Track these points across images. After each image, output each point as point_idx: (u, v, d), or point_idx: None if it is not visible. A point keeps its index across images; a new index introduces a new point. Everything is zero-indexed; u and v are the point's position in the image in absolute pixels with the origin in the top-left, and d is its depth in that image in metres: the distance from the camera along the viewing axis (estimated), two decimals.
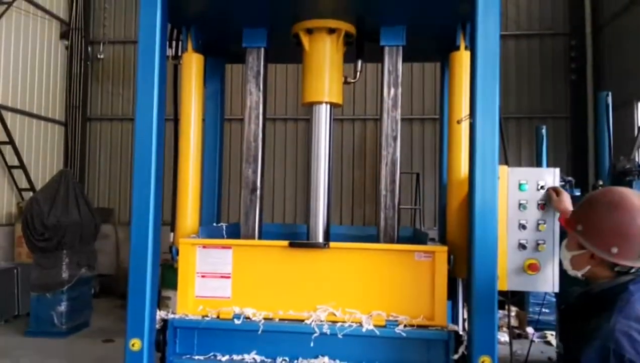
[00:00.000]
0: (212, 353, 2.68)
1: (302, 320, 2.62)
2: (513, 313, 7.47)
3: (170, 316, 2.68)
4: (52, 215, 7.00)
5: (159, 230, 2.62)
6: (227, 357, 2.65)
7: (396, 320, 2.56)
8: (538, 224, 2.58)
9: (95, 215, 7.67)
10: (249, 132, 2.97)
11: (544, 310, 7.07)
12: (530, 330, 7.25)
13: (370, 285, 2.65)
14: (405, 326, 2.54)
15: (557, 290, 2.57)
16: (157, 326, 2.64)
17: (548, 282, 2.57)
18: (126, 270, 2.63)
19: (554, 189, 2.56)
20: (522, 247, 2.59)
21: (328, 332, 2.55)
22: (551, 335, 7.24)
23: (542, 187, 2.59)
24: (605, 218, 1.79)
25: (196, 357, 2.67)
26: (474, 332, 2.40)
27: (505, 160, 2.71)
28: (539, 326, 7.11)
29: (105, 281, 9.84)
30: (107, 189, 11.36)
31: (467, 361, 2.43)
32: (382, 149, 2.86)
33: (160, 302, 7.15)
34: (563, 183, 5.51)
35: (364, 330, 2.54)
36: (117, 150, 11.39)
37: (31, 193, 8.54)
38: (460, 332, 2.53)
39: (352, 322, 2.58)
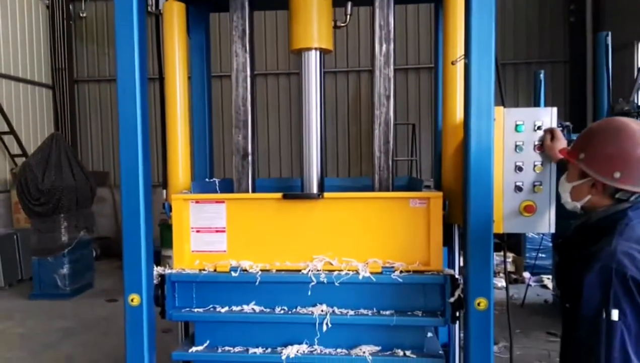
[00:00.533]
0: (211, 306, 2.70)
1: (299, 271, 2.62)
2: (510, 259, 7.57)
3: (168, 271, 2.68)
4: (46, 180, 6.96)
5: (149, 187, 2.57)
6: (226, 308, 2.68)
7: (392, 267, 2.57)
8: (535, 165, 2.54)
9: (90, 178, 7.63)
10: (237, 96, 2.87)
11: (540, 255, 7.17)
12: (526, 274, 7.36)
13: (365, 234, 2.64)
14: (401, 272, 2.55)
15: (553, 230, 2.55)
16: (155, 281, 2.65)
17: (544, 223, 2.55)
18: None
19: (551, 131, 2.51)
20: (518, 189, 2.55)
21: (325, 280, 2.56)
22: (547, 279, 7.36)
23: (538, 128, 2.54)
24: (608, 144, 1.78)
25: (195, 310, 2.70)
26: (469, 274, 2.40)
27: (502, 102, 2.64)
28: (535, 270, 7.23)
29: (106, 244, 9.91)
30: (100, 153, 11.27)
31: (464, 304, 2.45)
32: (375, 108, 2.77)
33: (162, 261, 7.19)
34: (561, 128, 5.44)
35: (360, 277, 2.54)
36: (107, 113, 11.23)
37: (24, 159, 8.46)
38: (457, 276, 2.54)
39: (348, 270, 2.58)
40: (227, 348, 2.69)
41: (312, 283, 2.57)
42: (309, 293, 2.60)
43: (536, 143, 2.54)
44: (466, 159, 2.39)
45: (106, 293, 7.51)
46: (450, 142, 2.79)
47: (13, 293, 7.74)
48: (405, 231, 2.61)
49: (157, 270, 2.69)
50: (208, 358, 2.68)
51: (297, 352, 2.58)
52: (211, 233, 2.73)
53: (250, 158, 2.89)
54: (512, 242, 8.02)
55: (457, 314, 2.53)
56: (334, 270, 2.60)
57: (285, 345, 2.62)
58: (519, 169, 2.54)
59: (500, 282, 6.40)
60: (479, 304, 2.39)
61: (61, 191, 7.00)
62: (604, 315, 1.60)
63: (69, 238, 7.27)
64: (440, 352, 2.68)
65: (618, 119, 1.89)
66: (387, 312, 2.59)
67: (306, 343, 2.62)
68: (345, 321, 2.57)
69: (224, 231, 2.72)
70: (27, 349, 5.38)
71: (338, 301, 2.62)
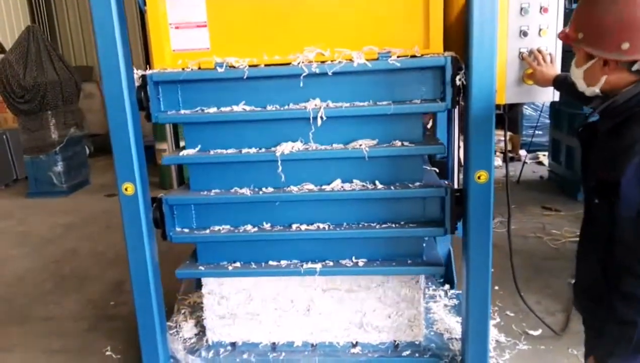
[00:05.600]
0: (198, 108, 2.57)
1: (289, 63, 2.44)
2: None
3: (149, 72, 2.50)
4: (28, 76, 6.68)
5: (130, 69, 2.42)
6: (214, 109, 2.55)
7: (389, 52, 2.38)
8: (540, 30, 2.37)
9: (74, 73, 7.33)
10: None
11: (537, 132, 7.14)
12: (522, 152, 7.38)
13: (359, 19, 2.44)
14: (398, 57, 2.37)
15: (557, 98, 2.45)
16: (136, 84, 2.48)
17: (548, 91, 2.44)
18: None
19: (536, 55, 2.33)
20: (522, 57, 2.41)
21: (317, 71, 2.39)
22: (543, 156, 7.40)
23: None
24: (607, 14, 1.51)
25: (182, 112, 2.57)
26: (470, 148, 2.34)
27: None
28: (532, 148, 7.24)
29: (99, 141, 9.76)
30: (82, 46, 10.75)
31: (465, 177, 2.40)
32: None
33: (157, 154, 7.15)
34: None
35: (355, 65, 2.37)
36: (85, 2, 10.54)
37: (2, 56, 8.06)
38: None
39: (342, 59, 2.40)
40: (219, 150, 2.60)
41: (304, 74, 2.40)
42: (301, 86, 2.44)
43: (542, 5, 2.36)
44: (468, 28, 2.20)
45: (104, 189, 7.55)
46: (453, 8, 2.56)
47: (10, 193, 7.76)
48: (403, 12, 2.40)
49: (138, 72, 2.49)
50: (199, 161, 2.61)
51: (292, 148, 2.49)
52: (191, 29, 2.52)
53: None
54: (510, 120, 7.94)
55: (458, 99, 2.39)
56: (326, 60, 2.42)
57: (280, 144, 2.53)
58: (523, 34, 2.38)
59: (497, 161, 6.42)
60: (479, 177, 2.36)
61: (45, 87, 6.75)
62: None
63: (59, 135, 7.14)
64: (440, 142, 2.67)
65: None
66: (384, 103, 2.46)
67: (301, 141, 2.53)
68: (340, 113, 2.45)
69: (205, 25, 2.51)
70: (30, 245, 5.49)
71: (332, 95, 2.48)
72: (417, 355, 2.72)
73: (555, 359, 3.01)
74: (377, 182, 2.56)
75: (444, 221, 2.50)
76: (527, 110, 7.74)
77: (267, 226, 2.65)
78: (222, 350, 2.84)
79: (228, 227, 2.68)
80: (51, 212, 6.62)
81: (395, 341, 2.79)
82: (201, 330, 3.04)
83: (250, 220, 2.66)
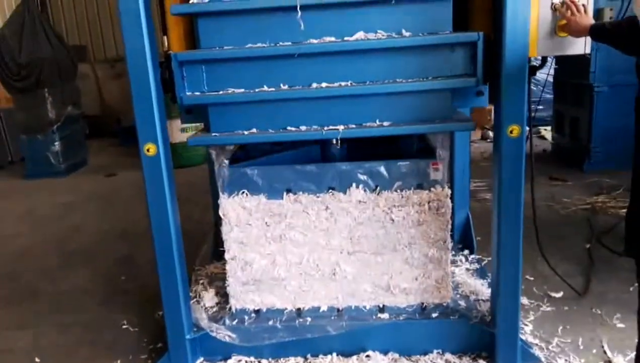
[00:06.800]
0: None
1: None
2: None
3: None
4: (23, 52, 6.52)
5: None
6: None
7: None
8: None
9: (70, 49, 7.17)
10: None
11: (539, 107, 7.10)
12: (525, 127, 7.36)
13: None
14: None
15: (588, 50, 2.40)
16: None
17: (579, 44, 2.39)
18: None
19: (568, 5, 2.24)
20: (554, 8, 2.35)
21: None
22: (545, 131, 7.40)
23: None
24: None
25: None
26: (503, 101, 2.30)
27: None
28: (534, 123, 7.21)
29: (93, 122, 9.61)
30: (74, 24, 10.49)
31: (496, 133, 2.36)
32: None
33: None
34: None
35: None
36: None
37: None
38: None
39: None
40: None
41: None
42: None
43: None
44: None
45: (102, 169, 7.43)
46: None
47: (6, 175, 7.62)
48: None
49: None
50: (209, 9, 2.39)
51: None
52: None
53: None
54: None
55: None
56: None
57: None
58: None
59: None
60: (511, 132, 2.33)
61: (41, 63, 6.59)
62: None
63: (56, 114, 6.99)
64: None
65: None
66: None
67: None
68: None
69: None
70: (33, 223, 5.39)
71: None
72: (445, 316, 2.70)
73: (580, 319, 3.00)
74: (403, 31, 2.39)
75: (475, 72, 2.35)
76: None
77: (285, 87, 2.44)
78: (246, 317, 2.80)
79: (242, 89, 2.46)
80: (51, 192, 6.50)
81: (422, 303, 2.76)
82: (222, 300, 2.98)
83: (267, 81, 2.43)
